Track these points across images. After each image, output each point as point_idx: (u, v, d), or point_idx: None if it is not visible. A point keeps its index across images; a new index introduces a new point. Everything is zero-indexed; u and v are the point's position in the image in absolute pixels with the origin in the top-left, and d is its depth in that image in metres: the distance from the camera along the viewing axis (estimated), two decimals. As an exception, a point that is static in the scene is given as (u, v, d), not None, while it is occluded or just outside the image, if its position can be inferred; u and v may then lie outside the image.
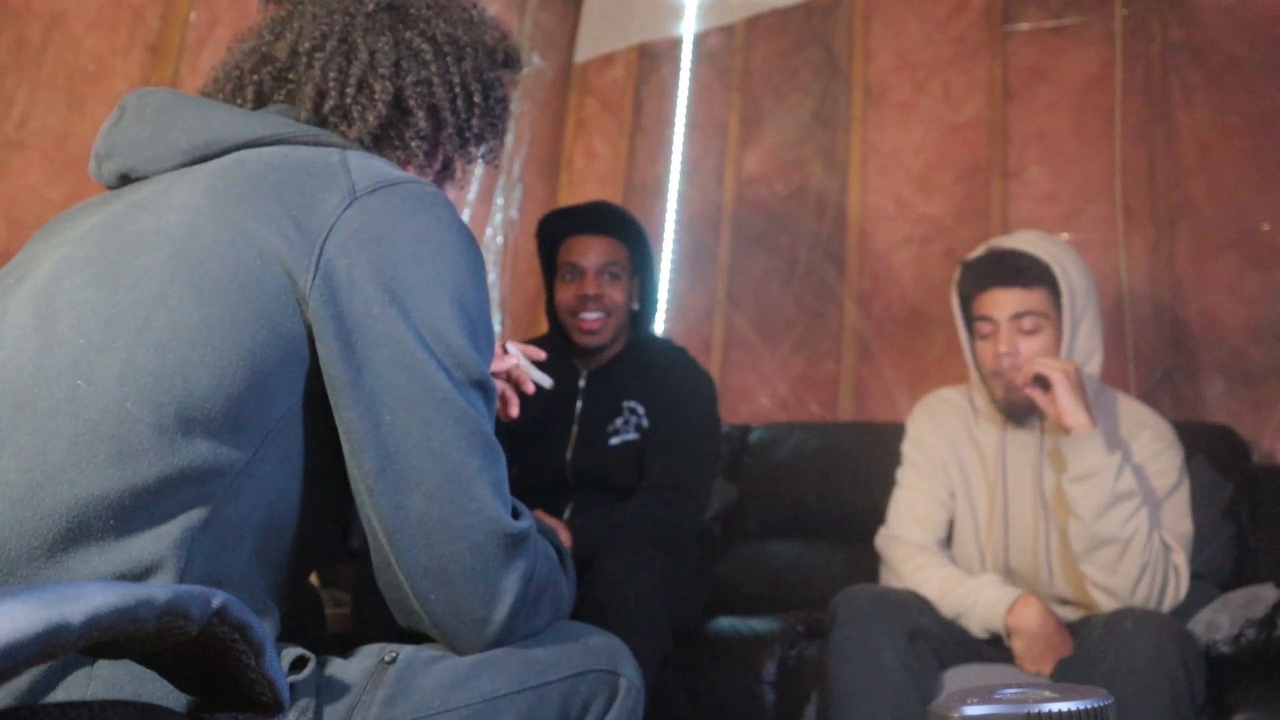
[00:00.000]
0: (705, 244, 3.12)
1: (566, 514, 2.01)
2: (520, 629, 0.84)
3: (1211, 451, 2.08)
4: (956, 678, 1.65)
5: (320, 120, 0.97)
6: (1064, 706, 0.55)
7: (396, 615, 0.85)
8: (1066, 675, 1.57)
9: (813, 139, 3.01)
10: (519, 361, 1.29)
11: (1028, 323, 1.76)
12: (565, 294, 2.07)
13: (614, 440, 2.03)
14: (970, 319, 1.86)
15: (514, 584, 0.82)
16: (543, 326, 3.18)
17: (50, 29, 1.97)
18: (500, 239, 3.09)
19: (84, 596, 0.46)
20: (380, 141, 0.99)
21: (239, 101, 1.00)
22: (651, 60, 3.35)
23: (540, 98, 3.27)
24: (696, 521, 2.01)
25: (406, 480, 0.79)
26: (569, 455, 2.05)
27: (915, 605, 1.69)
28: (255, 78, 0.99)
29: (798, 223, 2.98)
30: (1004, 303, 1.78)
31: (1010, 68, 2.77)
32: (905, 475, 1.94)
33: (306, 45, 0.98)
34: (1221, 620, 1.68)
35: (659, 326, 3.05)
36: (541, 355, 1.32)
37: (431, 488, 0.79)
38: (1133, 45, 2.60)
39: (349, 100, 0.96)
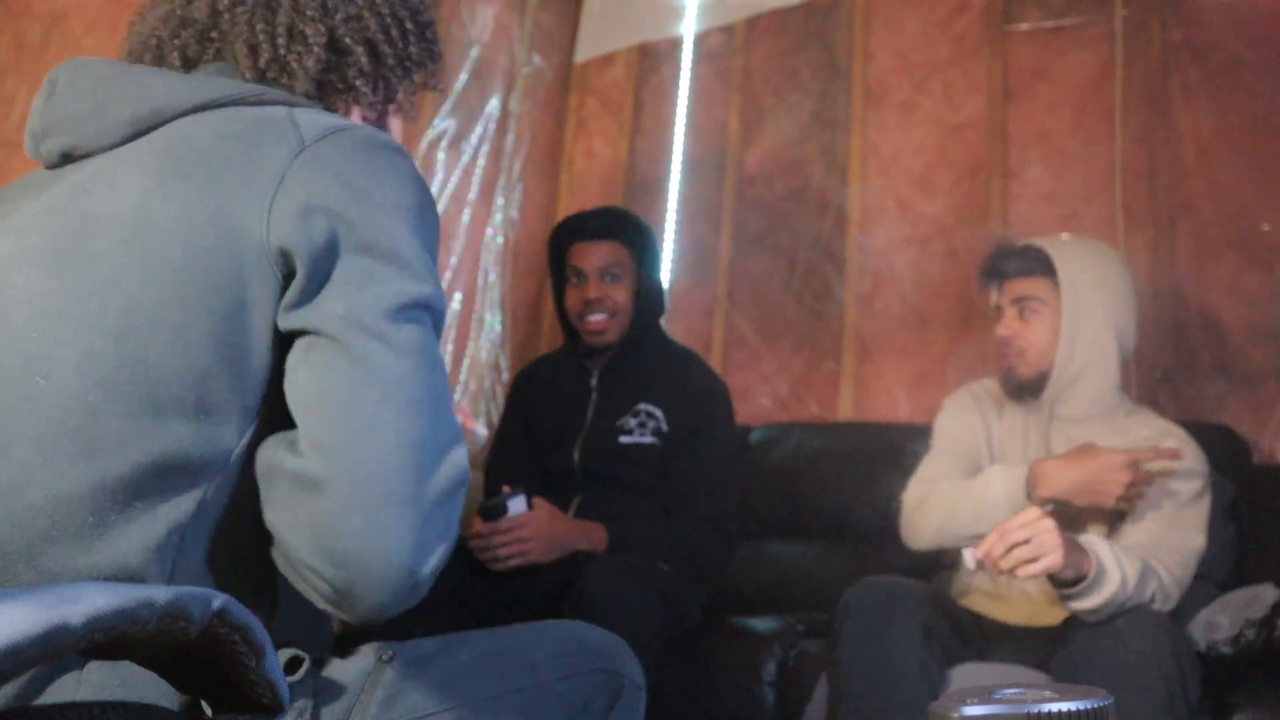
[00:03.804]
0: (705, 244, 3.11)
1: (572, 509, 2.07)
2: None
3: (1211, 451, 2.07)
4: (961, 676, 1.65)
5: (260, 76, 0.92)
6: (1064, 706, 0.55)
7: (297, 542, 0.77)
8: (1063, 674, 1.57)
9: (813, 139, 3.01)
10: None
11: (1026, 308, 1.87)
12: (573, 299, 2.16)
13: (624, 439, 2.09)
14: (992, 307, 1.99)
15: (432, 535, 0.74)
16: (543, 326, 3.19)
17: (50, 29, 1.97)
18: (500, 239, 3.09)
19: (85, 598, 0.46)
20: (325, 87, 0.94)
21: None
22: (652, 60, 3.35)
23: (540, 98, 3.27)
24: (732, 556, 2.12)
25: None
26: (577, 452, 2.11)
27: (928, 600, 1.69)
28: (177, 42, 0.93)
29: (798, 223, 2.98)
30: (1006, 290, 1.91)
31: (1010, 68, 2.77)
32: (935, 443, 1.99)
33: (226, 1, 0.93)
34: (1221, 620, 1.68)
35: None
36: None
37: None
38: (1133, 45, 2.60)
39: (283, 51, 0.91)
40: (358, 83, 0.94)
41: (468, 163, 2.96)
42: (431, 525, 0.72)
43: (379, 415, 0.72)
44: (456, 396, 2.93)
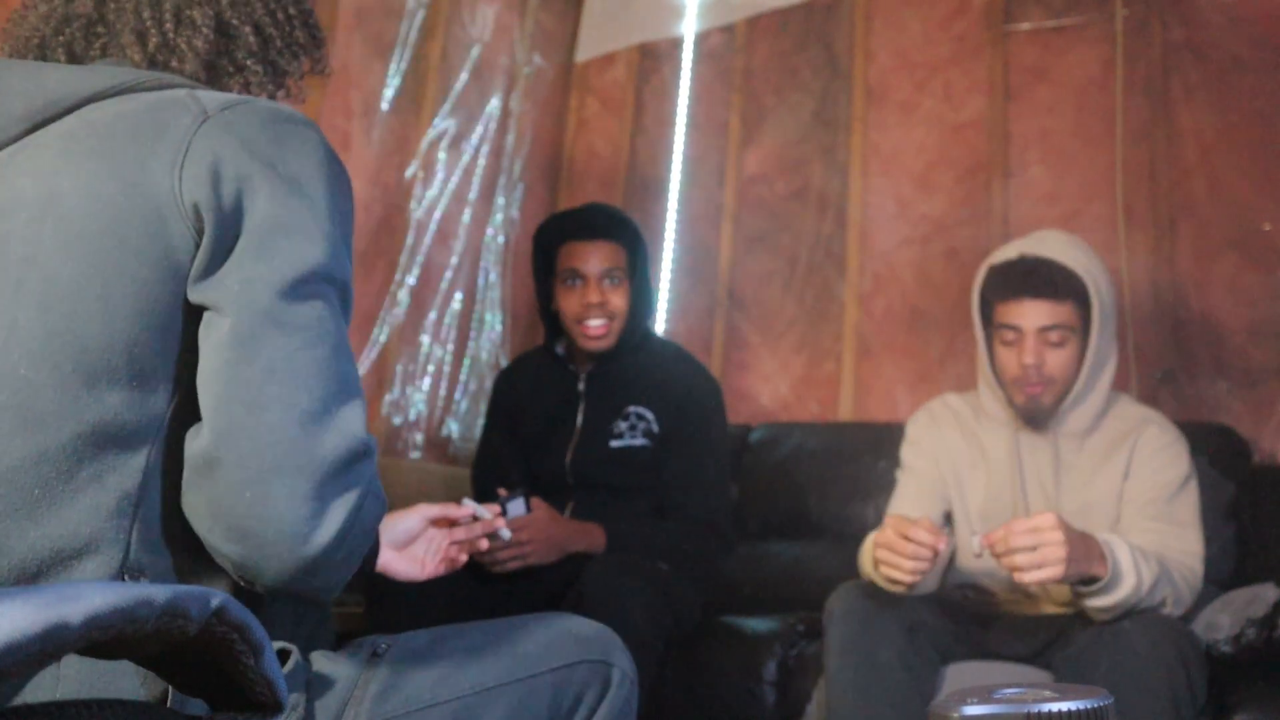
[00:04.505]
0: (706, 244, 3.11)
1: (566, 514, 2.04)
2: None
3: (1212, 451, 2.08)
4: (957, 674, 1.65)
5: (150, 62, 0.92)
6: (1064, 706, 0.55)
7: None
8: (1066, 674, 1.57)
9: (814, 139, 3.01)
10: (474, 510, 1.30)
11: (1055, 335, 1.74)
12: (569, 302, 2.06)
13: (615, 443, 2.06)
14: (991, 323, 1.84)
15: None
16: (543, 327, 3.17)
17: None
18: (501, 239, 3.09)
19: (83, 597, 0.46)
20: (215, 70, 0.94)
21: None
22: (652, 60, 3.35)
23: (540, 98, 3.27)
24: (729, 555, 2.10)
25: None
26: (569, 458, 2.07)
27: (914, 598, 1.68)
28: (61, 39, 0.91)
29: (799, 223, 2.98)
30: (1033, 314, 1.75)
31: (1011, 67, 2.77)
32: (901, 477, 1.94)
33: None
34: (1222, 620, 1.68)
35: (659, 327, 3.05)
36: (501, 524, 1.32)
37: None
38: (1133, 45, 2.60)
39: (171, 35, 0.91)
40: (248, 62, 0.95)
41: (468, 163, 2.96)
42: (327, 494, 0.73)
43: (264, 392, 0.73)
44: (456, 396, 2.93)
